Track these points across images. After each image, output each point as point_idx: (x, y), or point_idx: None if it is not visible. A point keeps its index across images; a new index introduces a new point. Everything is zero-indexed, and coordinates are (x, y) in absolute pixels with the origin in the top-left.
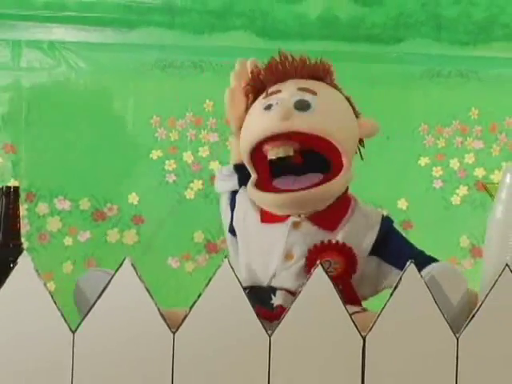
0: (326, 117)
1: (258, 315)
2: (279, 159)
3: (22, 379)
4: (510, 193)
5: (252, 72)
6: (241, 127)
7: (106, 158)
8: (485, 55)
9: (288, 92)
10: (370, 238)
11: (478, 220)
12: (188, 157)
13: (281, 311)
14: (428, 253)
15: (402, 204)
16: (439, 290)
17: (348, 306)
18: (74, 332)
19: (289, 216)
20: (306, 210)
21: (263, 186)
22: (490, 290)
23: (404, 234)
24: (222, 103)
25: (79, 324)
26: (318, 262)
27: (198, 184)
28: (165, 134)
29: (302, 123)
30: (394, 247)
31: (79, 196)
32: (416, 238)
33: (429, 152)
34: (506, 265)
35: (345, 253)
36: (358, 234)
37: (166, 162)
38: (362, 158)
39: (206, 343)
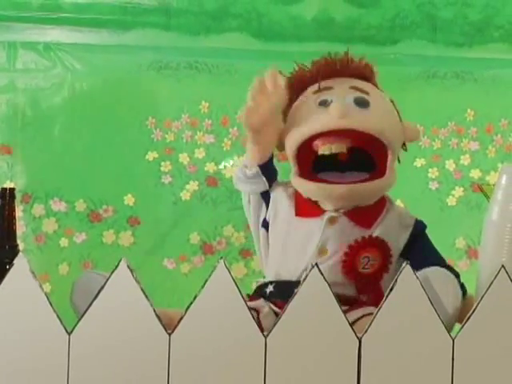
0: (381, 117)
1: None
2: (327, 155)
3: (17, 381)
4: (505, 194)
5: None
6: (264, 127)
7: (101, 159)
8: (480, 56)
9: (341, 89)
10: (403, 239)
11: (473, 221)
12: (184, 158)
13: None
14: None
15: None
16: (432, 291)
17: (368, 308)
18: (69, 334)
19: (324, 211)
20: (355, 203)
21: (311, 177)
22: (486, 291)
23: None
24: (217, 105)
25: (75, 326)
26: (359, 257)
27: (193, 185)
28: (160, 135)
29: (360, 121)
30: (420, 252)
31: (75, 197)
32: None
33: (424, 153)
34: (502, 266)
35: (383, 249)
36: (392, 233)
37: (162, 163)
38: (399, 162)
39: (201, 344)
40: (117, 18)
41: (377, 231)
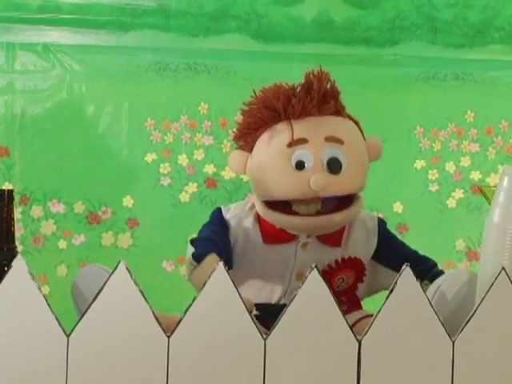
0: (355, 173)
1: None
2: None
3: (16, 383)
4: (507, 196)
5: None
6: None
7: (100, 161)
8: (480, 58)
9: (316, 144)
10: (372, 244)
11: (473, 223)
12: (183, 160)
13: None
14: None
15: (398, 207)
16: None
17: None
18: (68, 336)
19: (295, 237)
20: (328, 231)
21: (283, 210)
22: (486, 293)
23: (400, 238)
24: (217, 106)
25: (74, 328)
26: (335, 279)
27: (192, 187)
28: (159, 136)
29: (337, 189)
30: (390, 250)
31: (74, 199)
32: (412, 241)
33: (424, 155)
34: (502, 268)
35: (357, 267)
36: (361, 243)
37: (161, 165)
38: None
39: (200, 347)
40: (116, 19)
41: (347, 247)
